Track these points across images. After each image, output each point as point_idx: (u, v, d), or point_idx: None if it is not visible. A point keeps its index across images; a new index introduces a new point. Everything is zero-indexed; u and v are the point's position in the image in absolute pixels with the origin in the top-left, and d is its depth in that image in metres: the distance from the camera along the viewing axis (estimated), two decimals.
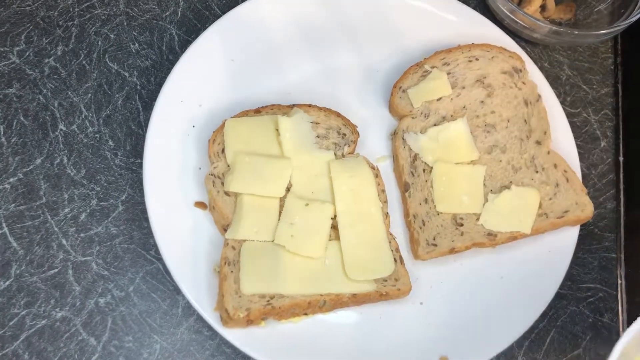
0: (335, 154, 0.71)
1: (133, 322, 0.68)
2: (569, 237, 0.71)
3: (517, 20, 0.79)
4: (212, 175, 0.68)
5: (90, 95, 0.76)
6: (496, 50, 0.77)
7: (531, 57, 0.80)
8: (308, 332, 0.66)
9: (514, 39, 0.79)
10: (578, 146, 0.76)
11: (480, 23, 0.79)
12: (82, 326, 0.67)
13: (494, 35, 0.79)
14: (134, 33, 0.80)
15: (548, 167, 0.72)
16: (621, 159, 0.80)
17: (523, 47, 0.81)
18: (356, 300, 0.66)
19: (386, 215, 0.69)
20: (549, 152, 0.73)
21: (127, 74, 0.78)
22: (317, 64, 0.77)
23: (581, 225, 0.73)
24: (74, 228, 0.71)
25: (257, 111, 0.72)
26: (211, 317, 0.64)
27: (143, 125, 0.76)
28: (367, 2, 0.79)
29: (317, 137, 0.71)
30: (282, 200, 0.68)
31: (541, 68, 0.80)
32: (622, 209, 0.78)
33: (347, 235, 0.67)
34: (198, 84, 0.73)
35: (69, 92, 0.76)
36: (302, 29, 0.78)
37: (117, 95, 0.77)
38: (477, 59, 0.76)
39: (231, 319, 0.62)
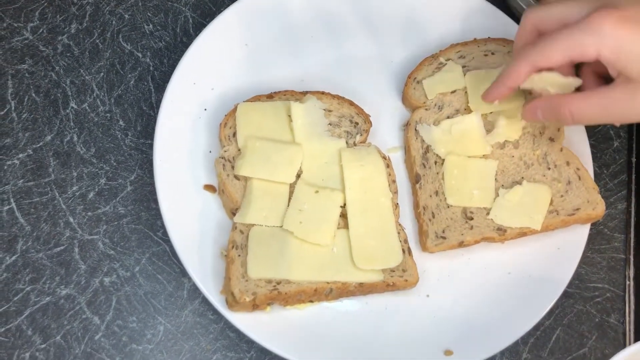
0: (347, 143, 0.70)
1: (138, 302, 0.68)
2: (579, 235, 0.71)
3: None
4: (222, 158, 0.68)
5: (102, 74, 0.76)
6: (513, 45, 0.76)
7: None
8: (313, 320, 0.65)
9: None
10: (591, 145, 0.76)
11: (497, 17, 0.79)
12: (87, 305, 0.67)
13: (511, 30, 0.78)
14: (149, 14, 0.79)
15: (560, 164, 0.72)
16: (634, 159, 0.80)
17: None
18: (363, 289, 0.65)
19: (396, 205, 0.69)
20: (561, 150, 0.73)
21: (140, 55, 0.77)
22: (331, 51, 0.76)
23: (591, 225, 0.72)
24: (82, 206, 0.70)
25: (270, 96, 0.71)
26: (217, 301, 0.64)
27: (154, 107, 0.75)
28: None
29: (329, 124, 0.71)
30: (292, 186, 0.68)
31: None
32: (632, 209, 0.77)
33: (356, 224, 0.66)
34: (211, 67, 0.73)
35: (81, 71, 0.76)
36: (318, 16, 0.77)
37: (129, 75, 0.76)
38: (493, 53, 0.76)
39: (237, 302, 0.62)
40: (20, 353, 0.65)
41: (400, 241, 0.67)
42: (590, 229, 0.72)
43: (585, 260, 0.74)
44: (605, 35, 0.54)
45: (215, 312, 0.67)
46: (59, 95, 0.74)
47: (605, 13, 0.54)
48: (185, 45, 0.75)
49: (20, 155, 0.72)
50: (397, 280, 0.66)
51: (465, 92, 0.74)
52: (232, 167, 0.68)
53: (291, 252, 0.64)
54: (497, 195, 0.70)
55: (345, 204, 0.67)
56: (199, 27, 0.79)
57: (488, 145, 0.72)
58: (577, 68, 0.64)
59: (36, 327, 0.66)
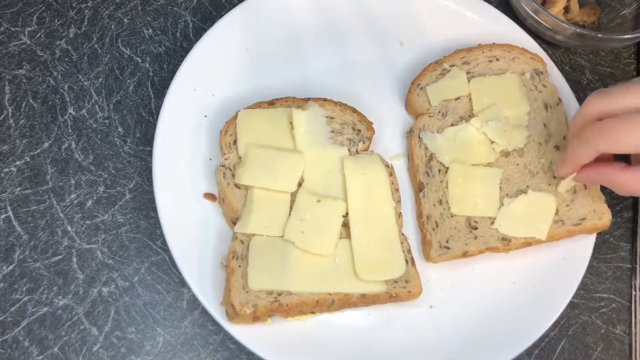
0: (349, 150, 0.69)
1: (136, 313, 0.67)
2: (585, 245, 0.70)
3: (540, 21, 0.77)
4: (222, 166, 0.67)
5: (101, 79, 0.75)
6: (517, 51, 0.75)
7: (553, 60, 0.78)
8: (314, 331, 0.64)
9: (535, 40, 0.78)
10: None
11: (502, 22, 0.78)
12: (85, 315, 0.66)
13: (516, 35, 0.77)
14: (148, 18, 0.78)
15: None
16: None
17: (545, 49, 0.79)
18: (365, 300, 0.64)
19: (399, 215, 0.68)
20: None
21: (139, 60, 0.76)
22: (334, 57, 0.75)
23: (597, 234, 0.71)
24: (80, 215, 0.69)
25: (271, 103, 0.70)
26: (216, 312, 0.63)
27: (154, 113, 0.74)
28: None
29: (332, 132, 0.70)
30: (293, 195, 0.66)
31: (562, 71, 0.78)
32: (639, 218, 0.76)
33: (359, 233, 0.65)
34: (211, 72, 0.72)
35: (80, 76, 0.75)
36: (320, 21, 0.76)
37: (128, 81, 0.75)
38: (497, 59, 0.75)
39: (237, 314, 0.61)
40: None
41: (404, 251, 0.66)
42: (596, 238, 0.71)
43: (590, 270, 0.73)
44: None
45: (215, 323, 0.66)
46: (57, 101, 0.73)
47: None
48: (186, 50, 0.74)
49: (18, 163, 0.71)
50: (400, 291, 0.65)
51: (470, 98, 0.73)
52: (233, 176, 0.67)
53: (292, 263, 0.63)
54: (501, 204, 0.69)
55: (347, 214, 0.66)
56: (200, 31, 0.78)
57: (493, 153, 0.71)
58: None
59: (33, 338, 0.65)
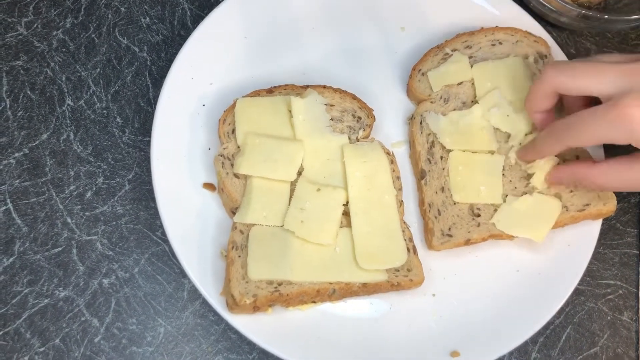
0: (349, 138, 0.68)
1: (137, 304, 0.67)
2: (590, 231, 0.69)
3: (544, 3, 0.75)
4: (221, 156, 0.66)
5: (98, 70, 0.74)
6: (521, 34, 0.73)
7: (557, 43, 0.76)
8: (315, 321, 0.64)
9: (539, 22, 0.76)
10: None
11: (504, 5, 0.76)
12: (86, 307, 0.66)
13: (519, 18, 0.75)
14: (145, 7, 0.77)
15: (570, 159, 0.69)
16: None
17: (549, 32, 0.77)
18: (367, 289, 0.64)
19: (400, 203, 0.67)
20: None
21: (137, 49, 0.75)
22: (333, 43, 0.74)
23: (603, 219, 0.70)
24: (79, 206, 0.69)
25: (270, 91, 0.69)
26: (217, 302, 0.62)
27: (152, 103, 0.73)
28: None
29: (331, 119, 0.69)
30: (292, 184, 0.66)
31: (567, 54, 0.76)
32: None
33: (359, 222, 0.65)
34: (209, 61, 0.71)
35: (77, 66, 0.74)
36: (319, 6, 0.75)
37: (126, 70, 0.74)
38: (500, 43, 0.73)
39: (237, 304, 0.60)
40: (18, 357, 0.64)
41: (405, 240, 0.65)
42: (602, 224, 0.70)
43: (596, 256, 0.72)
44: (636, 130, 0.55)
45: (216, 313, 0.66)
46: (54, 92, 0.73)
47: (635, 105, 0.54)
48: (183, 39, 0.73)
49: (16, 155, 0.70)
50: (402, 280, 0.64)
51: (472, 83, 0.72)
52: (232, 165, 0.66)
53: (292, 253, 0.63)
54: (505, 193, 0.68)
55: (347, 202, 0.65)
56: (197, 19, 0.77)
57: (495, 141, 0.69)
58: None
59: (35, 330, 0.65)
